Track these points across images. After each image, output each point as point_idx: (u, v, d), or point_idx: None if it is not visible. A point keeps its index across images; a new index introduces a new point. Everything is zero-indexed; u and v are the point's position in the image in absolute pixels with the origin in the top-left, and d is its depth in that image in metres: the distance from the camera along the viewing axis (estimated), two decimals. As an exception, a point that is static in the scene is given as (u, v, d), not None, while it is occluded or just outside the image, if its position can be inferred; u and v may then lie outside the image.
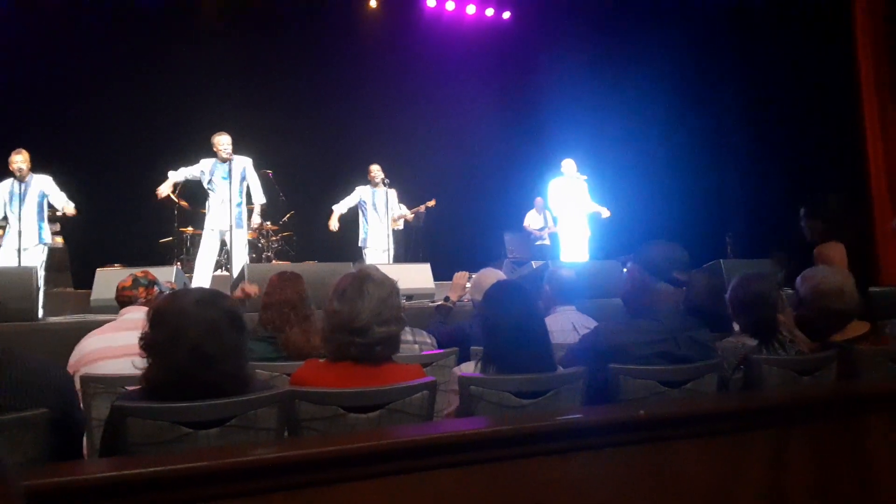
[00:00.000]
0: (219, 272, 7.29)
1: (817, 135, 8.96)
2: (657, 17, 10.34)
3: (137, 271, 3.08)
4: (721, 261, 5.91)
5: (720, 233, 8.78)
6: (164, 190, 6.36)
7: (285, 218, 8.83)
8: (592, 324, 3.18)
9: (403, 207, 7.95)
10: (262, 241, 8.51)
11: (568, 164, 7.81)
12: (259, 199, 6.55)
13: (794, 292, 2.72)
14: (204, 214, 6.59)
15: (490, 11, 11.28)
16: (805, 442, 1.90)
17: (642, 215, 9.28)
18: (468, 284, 3.84)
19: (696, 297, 3.08)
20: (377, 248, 7.46)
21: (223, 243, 6.50)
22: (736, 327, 2.78)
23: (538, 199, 8.94)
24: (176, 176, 6.45)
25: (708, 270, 5.73)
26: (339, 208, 7.43)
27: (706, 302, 3.05)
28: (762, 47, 9.64)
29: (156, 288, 3.00)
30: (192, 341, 1.61)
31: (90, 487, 1.27)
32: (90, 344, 2.66)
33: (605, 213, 7.86)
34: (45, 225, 6.18)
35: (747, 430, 1.87)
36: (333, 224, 7.39)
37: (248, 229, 6.82)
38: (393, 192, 7.65)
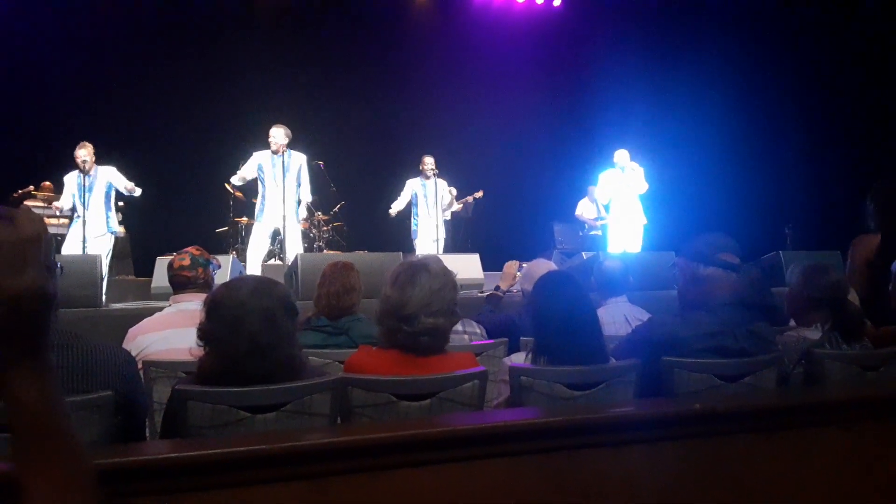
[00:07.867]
0: (272, 262, 7.43)
1: (881, 119, 8.57)
2: (713, 3, 10.03)
3: (192, 248, 2.93)
4: (780, 252, 5.73)
5: (779, 224, 8.49)
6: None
7: (336, 208, 8.93)
8: (645, 315, 3.13)
9: (454, 190, 7.87)
10: (314, 231, 8.64)
11: (621, 155, 7.66)
12: (306, 196, 6.63)
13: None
14: (255, 204, 6.70)
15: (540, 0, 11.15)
16: (873, 440, 1.83)
17: (699, 207, 9.05)
18: (518, 274, 3.83)
19: (749, 289, 3.00)
20: (427, 238, 7.51)
21: (276, 233, 6.60)
22: (791, 321, 2.69)
23: (591, 188, 8.77)
24: (237, 180, 6.62)
25: (764, 262, 5.57)
26: (398, 205, 7.54)
27: (759, 294, 2.96)
28: (822, 30, 9.26)
29: (210, 267, 2.93)
30: (249, 331, 1.65)
31: (154, 468, 1.31)
32: (151, 343, 2.64)
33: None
34: (113, 214, 6.41)
35: (808, 427, 1.81)
36: (393, 212, 7.57)
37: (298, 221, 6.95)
38: (443, 183, 7.66)
